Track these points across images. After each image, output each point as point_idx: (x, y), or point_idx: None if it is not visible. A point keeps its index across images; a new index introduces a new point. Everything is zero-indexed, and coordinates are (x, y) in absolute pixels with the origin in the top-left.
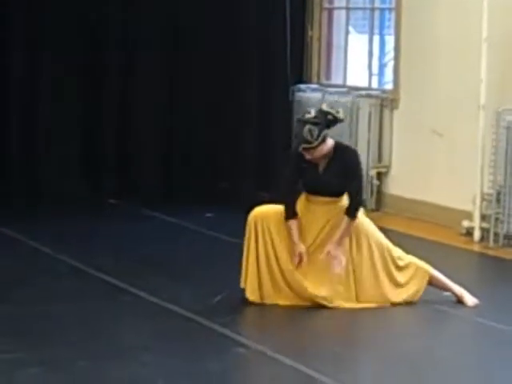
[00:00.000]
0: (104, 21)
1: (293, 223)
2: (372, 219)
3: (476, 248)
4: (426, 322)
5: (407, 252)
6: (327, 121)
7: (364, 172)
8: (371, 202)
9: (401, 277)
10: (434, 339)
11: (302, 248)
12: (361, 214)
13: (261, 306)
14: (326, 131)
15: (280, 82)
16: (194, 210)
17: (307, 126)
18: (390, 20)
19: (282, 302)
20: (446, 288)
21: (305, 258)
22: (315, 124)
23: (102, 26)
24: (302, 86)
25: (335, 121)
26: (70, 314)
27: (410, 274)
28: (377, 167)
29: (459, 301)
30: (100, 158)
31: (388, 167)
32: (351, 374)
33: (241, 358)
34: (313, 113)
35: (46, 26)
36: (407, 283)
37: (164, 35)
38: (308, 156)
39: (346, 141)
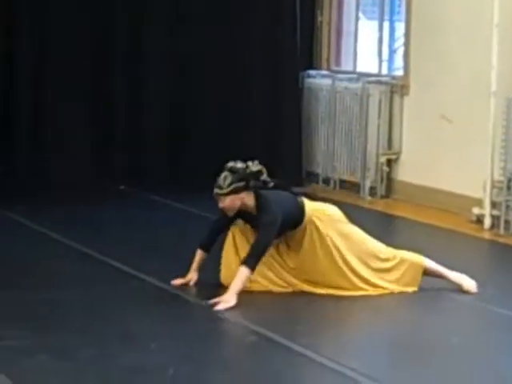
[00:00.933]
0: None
1: (200, 253)
2: (381, 206)
3: (486, 235)
4: (433, 309)
5: (415, 239)
6: (246, 174)
7: (374, 159)
8: (381, 189)
9: (388, 277)
10: (441, 326)
11: (192, 277)
12: (339, 216)
13: (269, 293)
14: (241, 184)
15: (289, 68)
16: (202, 197)
17: (224, 173)
18: (400, 6)
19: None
20: (442, 277)
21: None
22: (232, 172)
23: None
24: (312, 72)
25: (255, 177)
26: (76, 299)
27: (402, 272)
28: (387, 154)
29: (459, 289)
30: (109, 145)
31: (398, 154)
32: (360, 360)
33: (251, 345)
34: (239, 164)
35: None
36: (398, 281)
37: (171, 21)
38: (220, 204)
39: (355, 127)
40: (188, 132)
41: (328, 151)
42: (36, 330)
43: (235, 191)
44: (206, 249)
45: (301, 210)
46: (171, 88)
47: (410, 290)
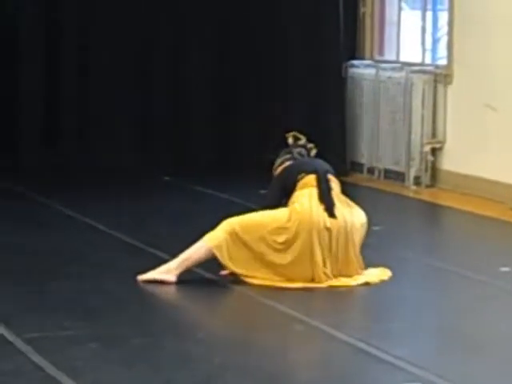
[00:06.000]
0: None
1: None
2: (426, 195)
3: None
4: (478, 297)
5: (460, 229)
6: (291, 146)
7: (418, 148)
8: (426, 178)
9: None
10: (486, 312)
11: None
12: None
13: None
14: (287, 156)
15: (333, 58)
16: (246, 187)
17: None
18: None
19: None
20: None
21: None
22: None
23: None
24: (356, 62)
25: (296, 146)
26: (123, 290)
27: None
28: (431, 143)
29: None
30: (155, 135)
31: (442, 143)
32: (406, 348)
33: (297, 334)
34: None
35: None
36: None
37: (213, 10)
38: None
39: (399, 117)
40: (232, 122)
41: (372, 141)
42: (85, 319)
43: (282, 162)
44: None
45: (292, 185)
46: (215, 80)
47: None
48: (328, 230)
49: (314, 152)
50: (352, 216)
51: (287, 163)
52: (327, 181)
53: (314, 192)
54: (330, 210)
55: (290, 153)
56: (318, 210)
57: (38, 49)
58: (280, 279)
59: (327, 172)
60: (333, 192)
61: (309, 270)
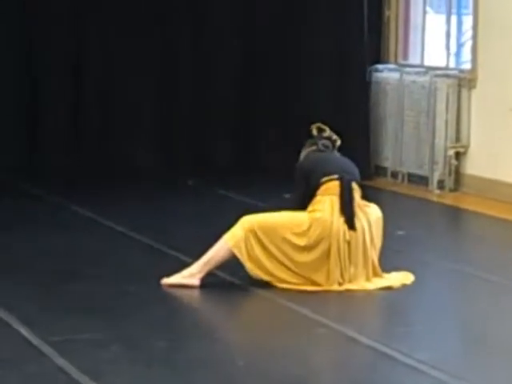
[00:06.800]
0: None
1: None
2: (450, 200)
3: None
4: (502, 302)
5: (484, 234)
6: (315, 138)
7: (442, 152)
8: (449, 182)
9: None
10: (508, 315)
11: None
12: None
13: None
14: (313, 148)
15: (357, 62)
16: (270, 190)
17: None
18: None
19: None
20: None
21: None
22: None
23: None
24: (380, 67)
25: (321, 138)
26: (145, 292)
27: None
28: (455, 147)
29: None
30: (177, 136)
31: (466, 147)
32: (431, 353)
33: (320, 338)
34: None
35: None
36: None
37: (238, 13)
38: None
39: (423, 121)
40: (255, 125)
41: (396, 145)
42: (108, 322)
43: (307, 156)
44: None
45: (315, 187)
46: (238, 81)
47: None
48: (347, 242)
49: (338, 143)
50: (368, 215)
51: (311, 156)
52: (350, 190)
53: (335, 201)
54: (350, 222)
55: (315, 144)
56: (339, 221)
57: (61, 51)
58: (299, 281)
59: (351, 180)
60: (354, 202)
61: (325, 279)
